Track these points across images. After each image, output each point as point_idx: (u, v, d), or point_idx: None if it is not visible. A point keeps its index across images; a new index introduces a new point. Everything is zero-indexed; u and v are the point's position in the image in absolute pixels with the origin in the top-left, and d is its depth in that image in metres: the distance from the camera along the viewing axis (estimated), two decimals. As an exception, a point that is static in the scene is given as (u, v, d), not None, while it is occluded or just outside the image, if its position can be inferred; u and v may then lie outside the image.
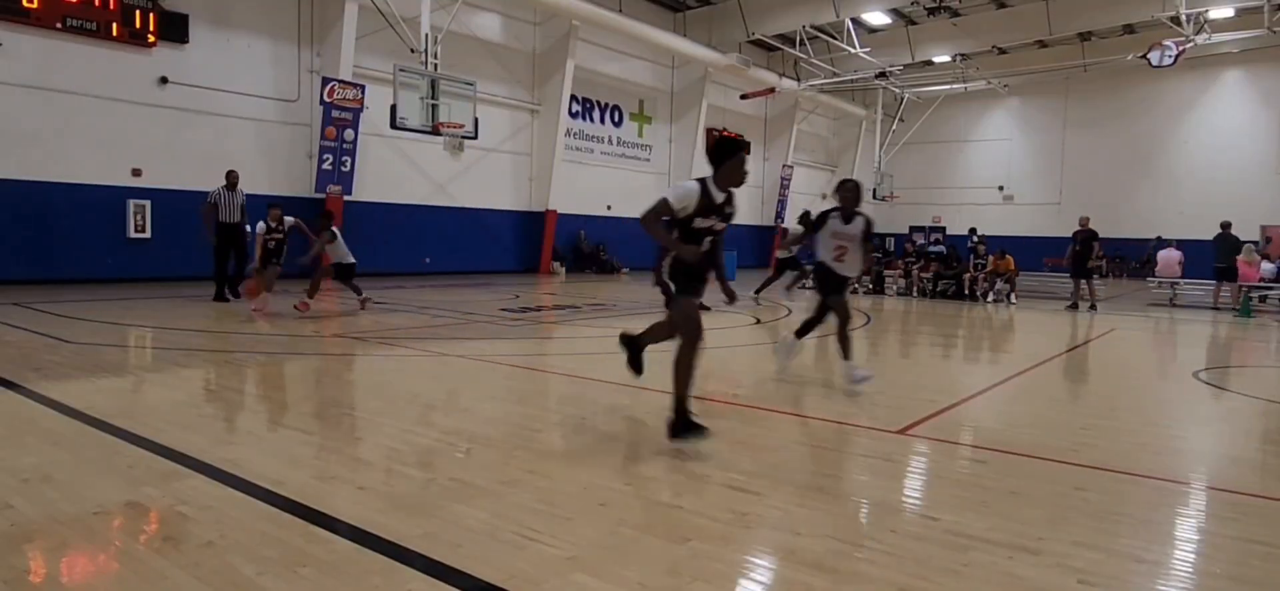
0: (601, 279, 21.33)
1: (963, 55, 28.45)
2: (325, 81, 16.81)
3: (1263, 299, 16.84)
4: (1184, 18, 22.21)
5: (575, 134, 23.57)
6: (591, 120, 24.39)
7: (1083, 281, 16.08)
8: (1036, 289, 19.88)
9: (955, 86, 30.95)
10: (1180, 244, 20.28)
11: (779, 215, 31.48)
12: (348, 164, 17.36)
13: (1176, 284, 18.35)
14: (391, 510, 3.46)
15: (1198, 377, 8.22)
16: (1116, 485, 4.25)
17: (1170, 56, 22.92)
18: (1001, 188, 33.46)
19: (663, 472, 4.17)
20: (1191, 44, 22.82)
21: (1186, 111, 29.81)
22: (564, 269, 22.53)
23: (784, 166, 31.66)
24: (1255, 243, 19.72)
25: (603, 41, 23.28)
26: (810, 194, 33.49)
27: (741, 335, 10.51)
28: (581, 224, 23.61)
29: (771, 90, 28.01)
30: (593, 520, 3.42)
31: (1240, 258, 16.76)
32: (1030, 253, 24.44)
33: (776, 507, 3.65)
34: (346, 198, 17.37)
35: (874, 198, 31.09)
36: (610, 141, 25.08)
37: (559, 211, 22.38)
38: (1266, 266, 17.20)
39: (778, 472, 4.23)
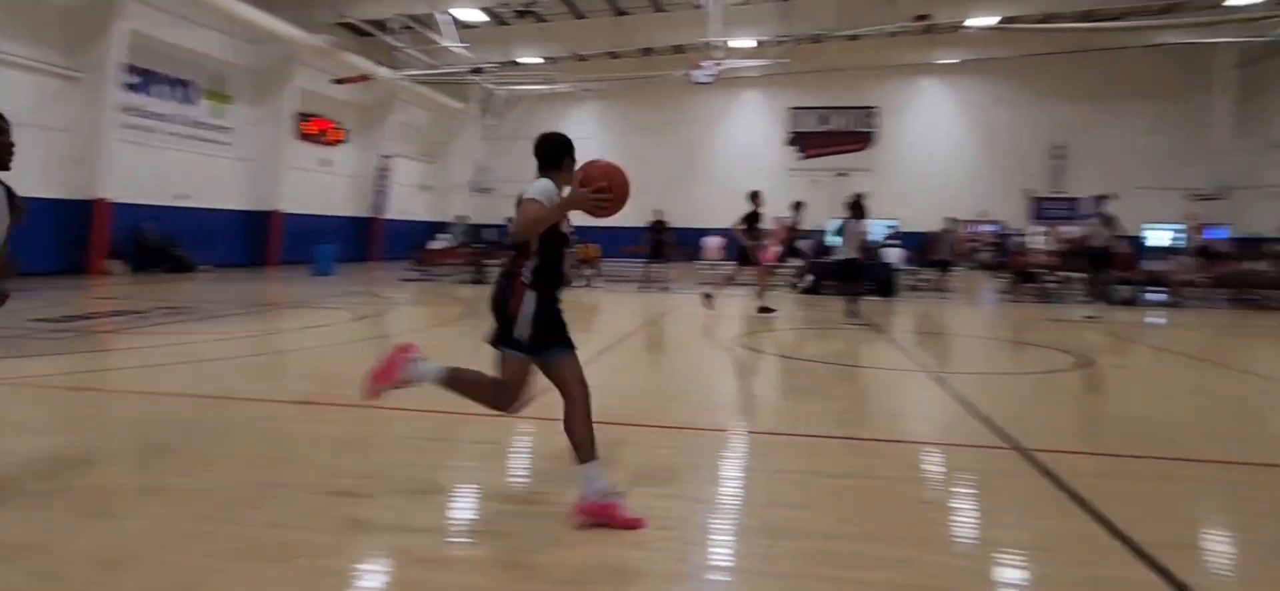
0: (176, 279, 18.55)
1: (549, 58, 30.28)
2: None
3: (777, 276, 20.68)
4: (717, 43, 26.37)
5: (133, 109, 20.04)
6: (155, 95, 20.97)
7: (659, 265, 18.36)
8: (619, 274, 22.02)
9: (544, 87, 32.81)
10: (719, 232, 24.04)
11: (378, 206, 30.44)
12: None
13: (718, 266, 21.83)
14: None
15: (737, 343, 9.86)
16: (682, 440, 4.94)
17: (709, 75, 27.02)
18: (585, 183, 36.46)
19: (258, 490, 3.81)
20: (723, 66, 27.12)
21: (720, 122, 35.50)
22: (127, 267, 19.12)
23: (382, 157, 30.65)
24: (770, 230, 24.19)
25: (164, 4, 20.10)
26: (408, 185, 32.94)
27: (339, 333, 9.99)
28: (147, 215, 20.23)
29: (366, 77, 26.87)
30: (181, 555, 3.01)
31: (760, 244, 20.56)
32: (611, 241, 26.97)
33: (388, 508, 3.57)
34: None
35: (470, 191, 31.70)
36: (181, 121, 21.82)
37: (114, 200, 18.88)
38: (778, 250, 21.27)
39: (387, 473, 4.14)
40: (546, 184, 3.41)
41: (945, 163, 33.84)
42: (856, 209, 12.62)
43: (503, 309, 3.40)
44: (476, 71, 28.34)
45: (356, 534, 3.26)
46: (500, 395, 3.48)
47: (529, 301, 3.35)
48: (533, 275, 3.38)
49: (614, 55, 30.56)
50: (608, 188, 3.30)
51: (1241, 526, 3.70)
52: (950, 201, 32.72)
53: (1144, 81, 30.51)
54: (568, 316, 3.55)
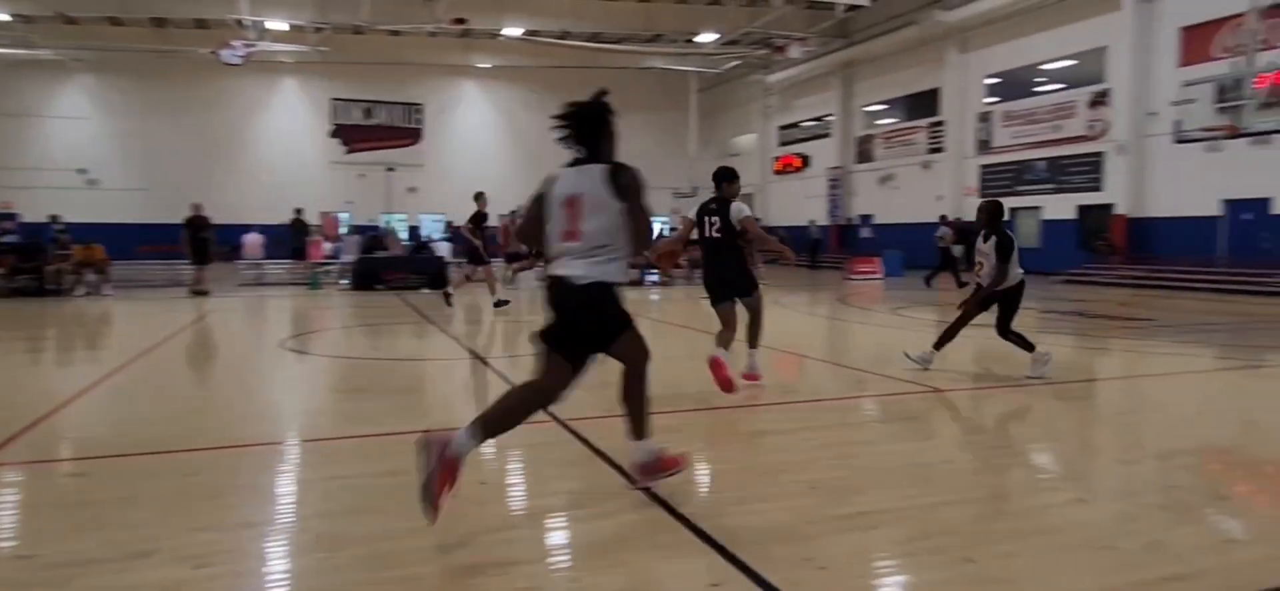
0: None
1: (24, 17, 24.05)
2: None
3: (326, 272, 19.46)
4: (248, 22, 23.73)
5: None
6: None
7: (200, 267, 15.76)
8: (133, 278, 18.56)
9: (19, 52, 25.98)
10: (261, 228, 21.77)
11: None
12: None
13: (262, 264, 19.75)
14: None
15: (284, 346, 9.08)
16: (227, 460, 4.39)
17: (239, 56, 24.21)
18: (83, 171, 29.82)
19: None
20: (256, 48, 24.55)
21: (257, 109, 32.09)
22: None
23: None
24: (317, 225, 22.71)
25: None
26: None
27: None
28: None
29: None
30: None
31: (309, 238, 19.20)
32: (122, 240, 22.60)
33: None
34: None
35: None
36: None
37: None
38: (328, 245, 20.09)
39: None
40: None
41: (487, 162, 35.36)
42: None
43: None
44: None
45: None
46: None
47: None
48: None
49: (116, 22, 25.51)
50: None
51: (718, 458, 4.59)
52: (493, 199, 34.40)
53: (641, 97, 35.57)
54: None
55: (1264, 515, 3.66)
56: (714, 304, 6.37)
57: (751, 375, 6.42)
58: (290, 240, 19.40)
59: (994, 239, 6.64)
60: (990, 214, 6.76)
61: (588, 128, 3.66)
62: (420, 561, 3.00)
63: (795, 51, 26.85)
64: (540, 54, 32.08)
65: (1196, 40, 18.94)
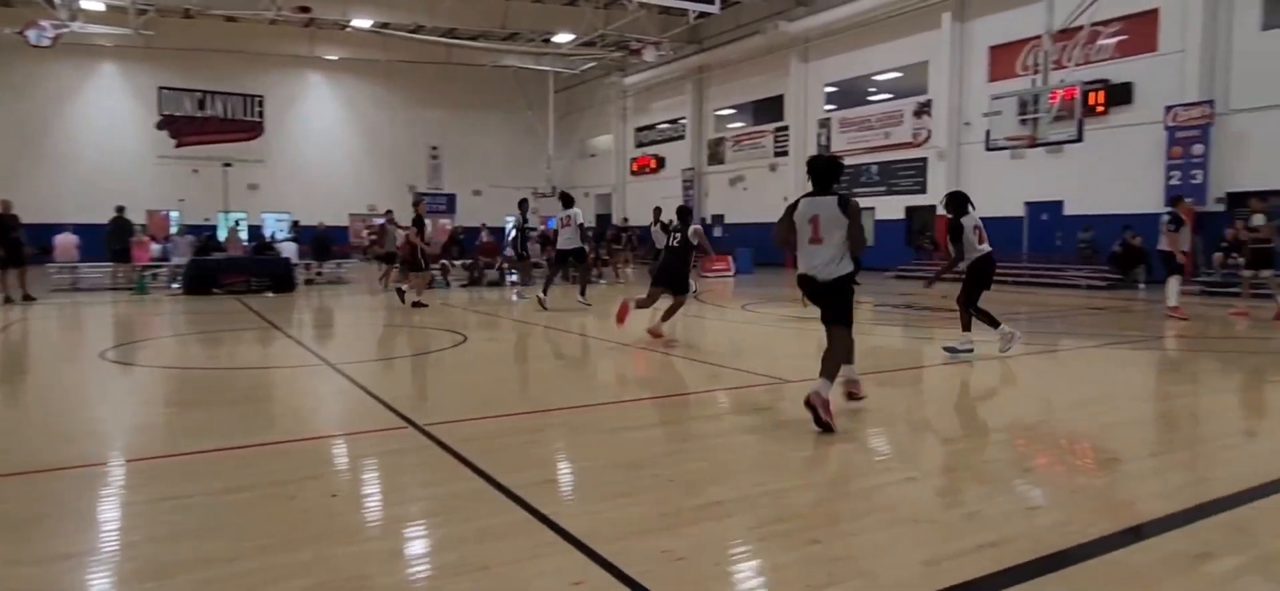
0: None
1: None
2: None
3: (154, 276, 17.78)
4: (57, 1, 21.29)
5: None
6: None
7: (16, 271, 13.75)
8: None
9: None
10: (76, 228, 19.58)
11: None
12: None
13: (77, 267, 17.77)
14: None
15: (105, 357, 8.24)
16: (39, 487, 3.93)
17: (47, 37, 21.64)
18: None
19: None
20: (67, 29, 22.04)
21: (71, 96, 28.87)
22: None
23: None
24: (143, 225, 20.78)
25: None
26: None
27: None
28: None
29: None
30: None
31: (134, 239, 17.53)
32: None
33: None
34: None
35: None
36: None
37: None
38: (155, 247, 18.44)
39: None
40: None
41: (337, 158, 33.61)
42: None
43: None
44: None
45: None
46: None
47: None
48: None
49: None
50: None
51: (580, 457, 4.61)
52: (343, 196, 32.73)
53: (499, 95, 35.04)
54: None
55: (1061, 484, 4.11)
56: (653, 286, 9.51)
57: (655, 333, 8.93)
58: (110, 241, 17.54)
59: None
60: (948, 202, 8.03)
61: (824, 171, 5.16)
62: (265, 582, 2.81)
63: (650, 55, 27.31)
64: (392, 48, 30.87)
65: (1003, 58, 20.96)
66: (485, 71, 33.45)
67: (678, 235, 9.36)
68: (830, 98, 26.76)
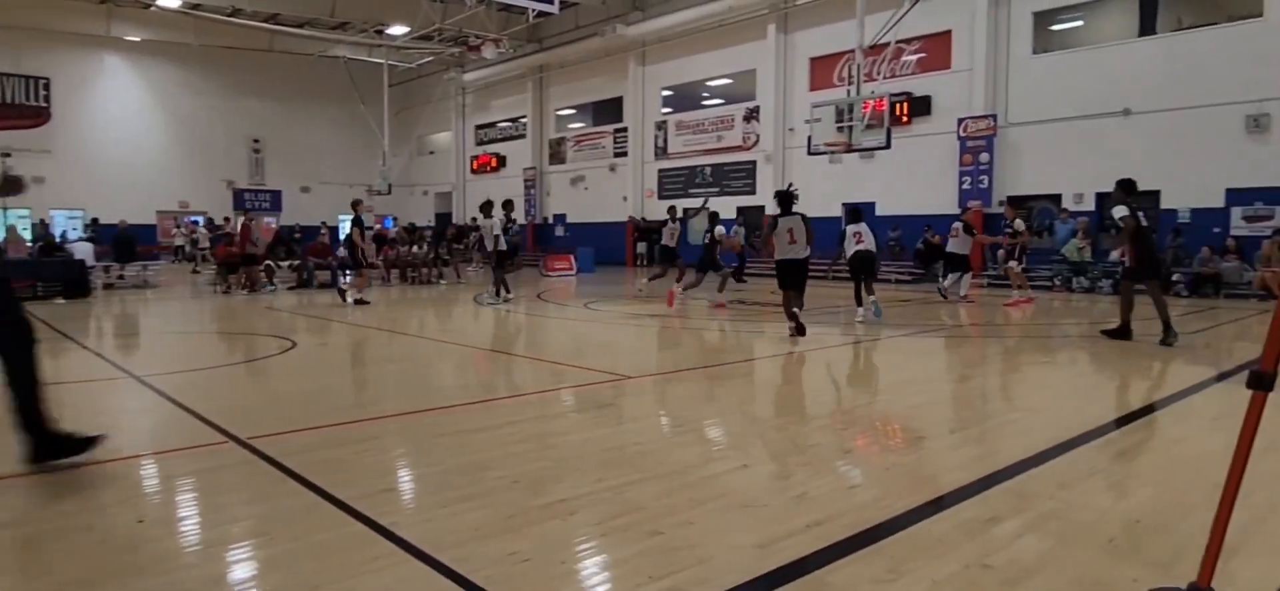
0: None
1: None
2: None
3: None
4: None
5: None
6: None
7: None
8: None
9: None
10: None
11: None
12: None
13: None
14: None
15: None
16: None
17: None
18: None
19: None
20: None
21: None
22: None
23: None
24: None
25: None
26: None
27: None
28: None
29: None
30: None
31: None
32: None
33: None
34: None
35: None
36: None
37: None
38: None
39: None
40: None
41: (140, 149, 30.41)
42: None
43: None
44: None
45: None
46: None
47: None
48: None
49: None
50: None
51: (419, 463, 4.45)
52: (148, 191, 29.66)
53: (329, 87, 33.02)
54: None
55: (876, 462, 4.46)
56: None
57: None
58: None
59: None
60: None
61: (789, 199, 9.13)
62: (58, 626, 2.49)
63: (489, 52, 26.80)
64: (206, 30, 28.32)
65: (822, 69, 22.43)
66: (313, 61, 31.48)
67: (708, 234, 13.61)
68: (667, 101, 27.47)
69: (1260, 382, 1.37)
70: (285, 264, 18.39)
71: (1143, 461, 4.53)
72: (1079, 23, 18.99)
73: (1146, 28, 17.62)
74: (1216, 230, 15.79)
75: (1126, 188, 8.72)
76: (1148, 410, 5.91)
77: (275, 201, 33.66)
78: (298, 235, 28.46)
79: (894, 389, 6.64)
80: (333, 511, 3.47)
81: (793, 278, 9.12)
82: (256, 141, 33.13)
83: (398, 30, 28.42)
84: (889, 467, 4.29)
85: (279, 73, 32.08)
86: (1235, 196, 15.80)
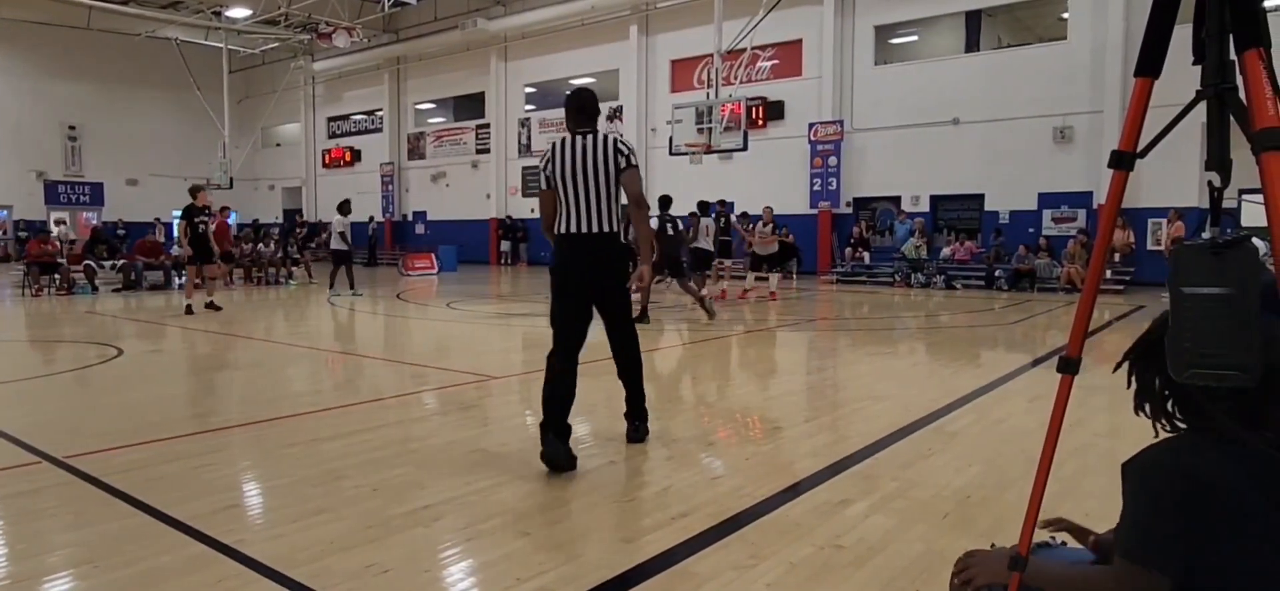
0: None
1: None
2: None
3: None
4: None
5: None
6: None
7: None
8: None
9: None
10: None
11: None
12: None
13: None
14: None
15: None
16: None
17: None
18: None
19: None
20: None
21: None
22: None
23: None
24: None
25: None
26: None
27: None
28: None
29: None
30: None
31: None
32: None
33: None
34: None
35: None
36: None
37: None
38: None
39: None
40: None
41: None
42: None
43: None
44: None
45: None
46: None
47: None
48: None
49: None
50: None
51: (268, 475, 4.17)
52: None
53: (160, 71, 30.24)
54: None
55: (736, 453, 4.62)
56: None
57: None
58: None
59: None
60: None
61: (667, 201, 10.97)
62: None
63: (341, 41, 25.50)
64: (17, 4, 25.22)
65: (683, 72, 22.96)
66: (140, 42, 28.76)
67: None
68: (530, 98, 27.20)
69: (1068, 367, 1.55)
70: (108, 264, 16.68)
71: (970, 441, 4.97)
72: (915, 37, 20.52)
73: (972, 44, 19.29)
74: (1031, 230, 17.55)
75: (664, 203, 11.56)
76: (975, 395, 6.49)
77: (96, 194, 30.51)
78: (122, 232, 25.96)
79: (753, 381, 6.91)
80: (169, 532, 3.20)
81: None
82: (72, 128, 29.90)
83: (239, 13, 26.50)
84: (749, 457, 4.47)
85: (99, 53, 29.08)
86: (1046, 199, 17.63)
